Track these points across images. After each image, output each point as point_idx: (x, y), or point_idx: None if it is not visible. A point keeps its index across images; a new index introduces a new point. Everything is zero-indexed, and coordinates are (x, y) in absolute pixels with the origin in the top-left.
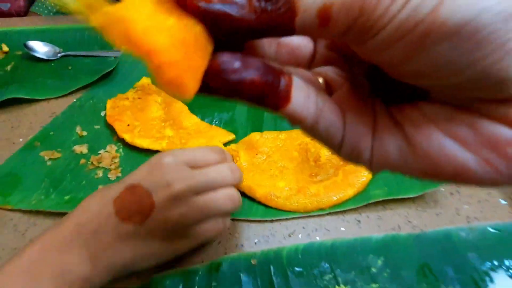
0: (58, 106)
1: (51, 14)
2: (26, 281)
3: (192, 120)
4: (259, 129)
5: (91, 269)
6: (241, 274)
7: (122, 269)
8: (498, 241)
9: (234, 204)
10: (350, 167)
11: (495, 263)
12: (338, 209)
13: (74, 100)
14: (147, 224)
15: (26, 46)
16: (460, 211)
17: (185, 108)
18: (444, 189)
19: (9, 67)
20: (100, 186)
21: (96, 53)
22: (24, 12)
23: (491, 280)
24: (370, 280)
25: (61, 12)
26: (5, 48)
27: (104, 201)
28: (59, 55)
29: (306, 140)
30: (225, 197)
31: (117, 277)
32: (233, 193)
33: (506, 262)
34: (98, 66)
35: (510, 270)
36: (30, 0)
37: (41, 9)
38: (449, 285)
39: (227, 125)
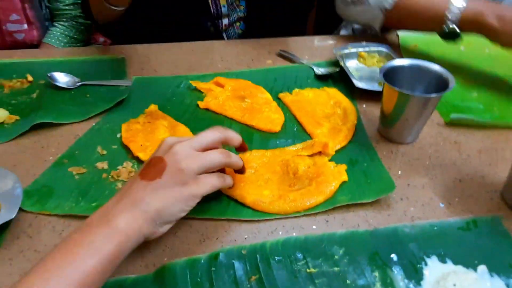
0: (80, 129)
1: (62, 44)
2: (90, 236)
3: None
4: (249, 148)
5: (131, 218)
6: (234, 262)
7: (155, 214)
8: (434, 235)
9: (228, 157)
10: (322, 178)
11: (430, 251)
12: (311, 211)
13: (94, 124)
14: (165, 175)
15: (49, 76)
16: (407, 212)
17: (188, 130)
18: (395, 196)
19: (34, 95)
20: None
21: (109, 82)
22: (37, 41)
23: (425, 264)
24: (333, 264)
25: (72, 44)
26: (30, 78)
27: (133, 178)
28: (77, 84)
29: (287, 157)
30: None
31: (157, 225)
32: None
33: (438, 250)
34: (112, 94)
35: (441, 256)
36: (43, 31)
37: (53, 40)
38: (392, 267)
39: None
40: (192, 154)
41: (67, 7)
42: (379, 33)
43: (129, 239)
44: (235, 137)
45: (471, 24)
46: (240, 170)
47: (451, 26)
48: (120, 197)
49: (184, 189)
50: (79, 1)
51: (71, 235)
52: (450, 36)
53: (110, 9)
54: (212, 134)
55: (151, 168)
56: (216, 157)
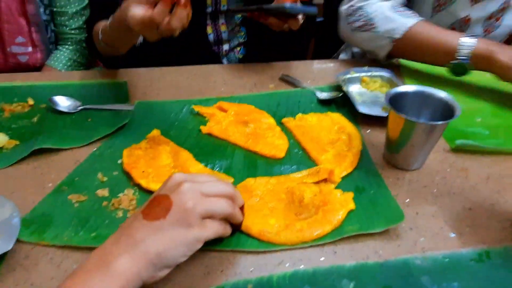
0: (80, 155)
1: (65, 67)
2: (88, 282)
3: (197, 167)
4: (254, 174)
5: (130, 261)
6: None
7: (156, 258)
8: (446, 267)
9: (229, 208)
10: (329, 207)
11: (444, 285)
12: (319, 242)
13: (94, 149)
14: (169, 216)
15: (50, 100)
16: (417, 243)
17: (191, 156)
18: (404, 225)
19: (35, 119)
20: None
21: (111, 107)
22: (40, 64)
23: None
24: None
25: (75, 67)
26: (31, 101)
27: (135, 215)
28: (79, 108)
29: (292, 184)
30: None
31: (157, 269)
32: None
33: (452, 285)
34: (114, 119)
35: None
36: (47, 53)
37: (56, 63)
38: None
39: (227, 171)
40: (200, 197)
41: (73, 31)
42: (383, 60)
43: (128, 284)
44: (240, 199)
45: (483, 60)
46: (237, 226)
47: (460, 60)
48: (119, 236)
49: (189, 232)
50: (85, 26)
51: (67, 282)
52: (459, 71)
53: (112, 50)
54: (223, 186)
55: (155, 207)
56: (224, 205)
